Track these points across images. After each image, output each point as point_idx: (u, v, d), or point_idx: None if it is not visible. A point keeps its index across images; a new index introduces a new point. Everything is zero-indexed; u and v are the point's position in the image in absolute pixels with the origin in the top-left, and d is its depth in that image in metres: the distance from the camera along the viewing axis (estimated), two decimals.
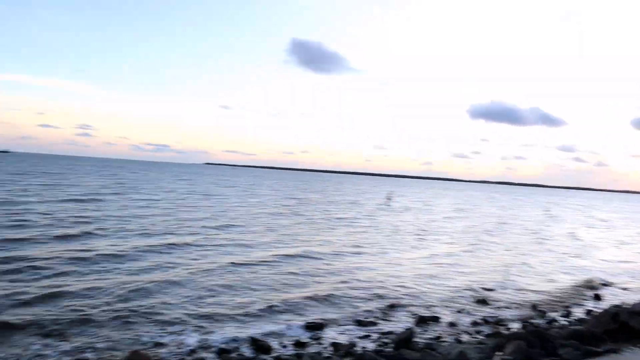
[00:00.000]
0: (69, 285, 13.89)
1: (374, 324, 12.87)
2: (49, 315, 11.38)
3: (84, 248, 19.19)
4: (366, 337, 11.71)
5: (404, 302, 15.12)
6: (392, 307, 14.46)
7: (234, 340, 10.85)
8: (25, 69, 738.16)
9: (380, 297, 15.47)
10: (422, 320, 13.18)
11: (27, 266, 15.62)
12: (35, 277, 14.59)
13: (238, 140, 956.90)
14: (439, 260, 23.01)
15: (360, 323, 12.81)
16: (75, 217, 28.41)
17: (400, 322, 13.10)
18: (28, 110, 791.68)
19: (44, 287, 13.49)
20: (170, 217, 31.90)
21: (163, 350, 10.00)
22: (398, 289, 16.62)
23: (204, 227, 28.38)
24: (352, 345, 10.92)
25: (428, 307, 14.77)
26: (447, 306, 15.00)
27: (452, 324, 13.09)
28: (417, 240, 29.79)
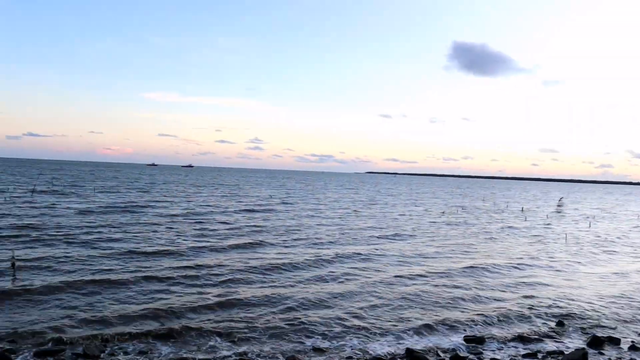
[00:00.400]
0: (241, 292, 15.09)
1: (540, 341, 12.03)
2: (222, 318, 12.53)
3: (256, 257, 20.70)
4: (530, 355, 10.98)
5: (576, 319, 13.92)
6: (562, 324, 13.42)
7: (391, 351, 10.92)
8: (206, 91, 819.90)
9: (550, 312, 14.43)
10: (597, 341, 11.98)
11: (206, 273, 17.29)
12: (212, 283, 16.09)
13: (398, 148, 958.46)
14: (624, 276, 20.73)
15: (524, 340, 12.06)
16: (250, 226, 30.86)
17: (571, 342, 12.08)
18: (208, 128, 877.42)
19: (219, 293, 14.79)
20: (336, 227, 33.06)
21: (321, 357, 10.43)
22: (572, 305, 15.35)
23: (371, 236, 28.98)
24: None
25: (605, 327, 13.42)
26: (629, 327, 13.47)
27: (634, 348, 11.73)
28: (599, 252, 27.16)
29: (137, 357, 9.90)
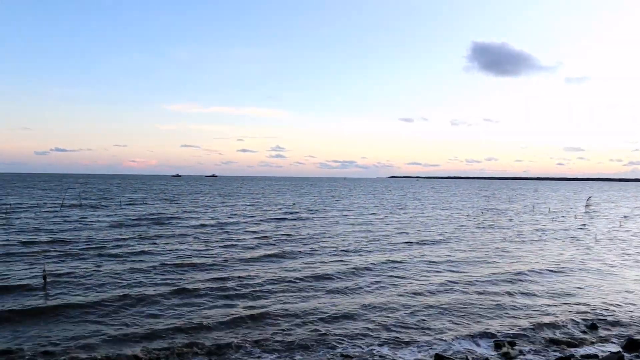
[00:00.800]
0: (270, 303, 14.94)
1: (572, 344, 11.77)
2: (252, 330, 12.58)
3: (284, 267, 20.62)
4: (563, 359, 10.70)
5: (613, 322, 13.61)
6: (595, 327, 13.05)
7: (420, 357, 10.89)
8: (227, 101, 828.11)
9: (585, 316, 14.11)
10: (633, 344, 11.60)
11: (236, 285, 17.22)
12: (242, 295, 15.96)
13: (420, 151, 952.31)
14: None
15: (556, 343, 11.83)
16: (277, 235, 30.99)
17: (607, 346, 11.79)
18: (230, 137, 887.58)
19: (249, 305, 14.72)
20: (364, 233, 32.86)
21: None
22: (608, 308, 15.00)
23: (399, 242, 28.62)
24: None
25: None
26: None
27: None
28: (637, 253, 26.26)
29: None
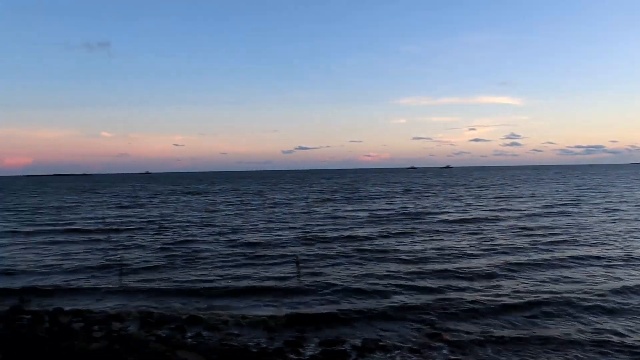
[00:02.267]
0: (553, 327, 12.49)
1: None
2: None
3: (565, 276, 17.42)
4: None
5: None
6: None
7: None
8: (457, 91, 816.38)
9: None
10: None
11: (506, 294, 15.16)
12: (515, 308, 13.81)
13: None
14: None
15: None
16: (542, 234, 27.25)
17: None
18: (461, 128, 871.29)
19: (527, 321, 12.82)
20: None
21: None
22: None
23: None
24: None
25: None
26: None
27: None
28: None
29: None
